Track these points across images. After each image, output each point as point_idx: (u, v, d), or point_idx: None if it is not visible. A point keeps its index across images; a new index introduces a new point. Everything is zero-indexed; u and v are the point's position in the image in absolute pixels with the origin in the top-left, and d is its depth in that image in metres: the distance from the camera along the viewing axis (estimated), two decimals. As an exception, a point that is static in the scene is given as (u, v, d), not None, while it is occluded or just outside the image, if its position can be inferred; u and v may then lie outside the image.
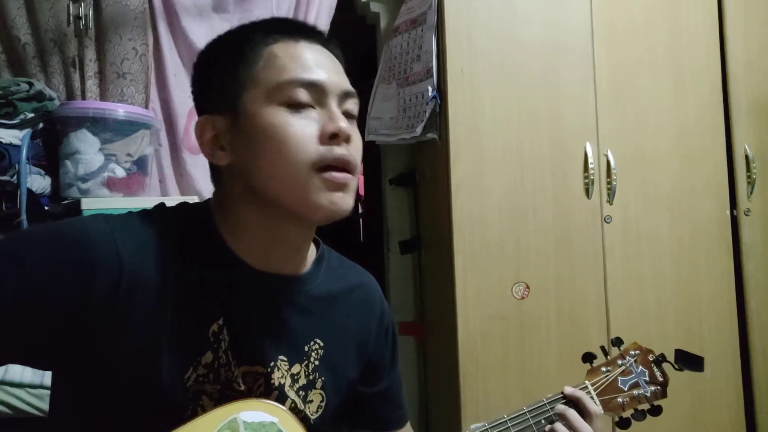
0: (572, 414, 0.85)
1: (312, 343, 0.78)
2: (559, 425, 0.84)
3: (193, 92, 0.78)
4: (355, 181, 0.72)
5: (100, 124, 1.54)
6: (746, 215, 1.83)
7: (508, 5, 1.70)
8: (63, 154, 1.54)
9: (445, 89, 1.65)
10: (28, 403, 1.34)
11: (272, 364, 0.73)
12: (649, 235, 1.74)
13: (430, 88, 1.68)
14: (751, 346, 1.79)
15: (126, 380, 0.64)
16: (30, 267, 0.62)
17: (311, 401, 0.78)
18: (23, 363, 0.74)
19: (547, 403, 0.87)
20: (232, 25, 0.77)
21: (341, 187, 0.69)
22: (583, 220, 1.70)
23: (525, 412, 0.86)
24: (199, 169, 1.77)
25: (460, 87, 1.65)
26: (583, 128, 1.71)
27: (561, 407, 0.86)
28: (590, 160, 1.69)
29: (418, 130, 1.69)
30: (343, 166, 0.69)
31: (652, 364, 0.97)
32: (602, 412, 0.89)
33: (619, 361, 0.95)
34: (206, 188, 1.74)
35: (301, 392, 0.76)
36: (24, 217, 1.45)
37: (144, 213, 0.72)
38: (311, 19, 1.85)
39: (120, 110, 1.59)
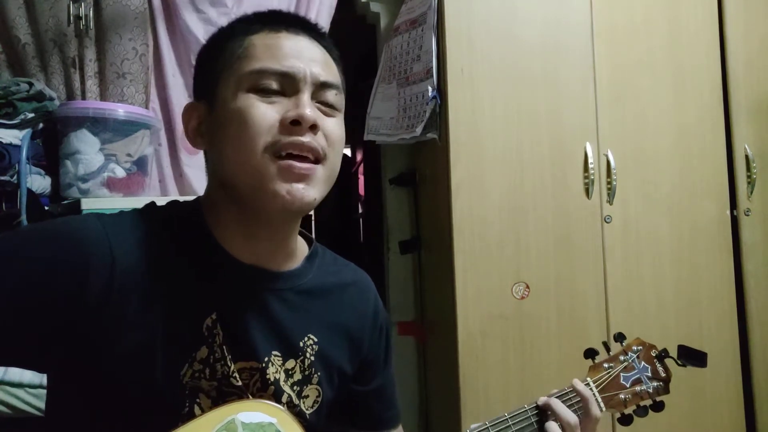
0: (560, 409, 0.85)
1: (306, 338, 0.77)
2: (552, 424, 0.84)
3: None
4: (324, 173, 0.70)
5: (100, 124, 1.54)
6: (746, 215, 1.83)
7: (508, 5, 1.70)
8: (63, 154, 1.55)
9: (445, 89, 1.65)
10: (28, 403, 1.34)
11: (266, 359, 0.73)
12: (649, 235, 1.74)
13: (430, 88, 1.68)
14: (751, 346, 1.79)
15: (122, 378, 0.64)
16: (25, 266, 0.62)
17: (307, 396, 0.78)
18: (20, 365, 0.74)
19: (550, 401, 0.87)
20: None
21: (301, 177, 0.67)
22: (583, 220, 1.70)
23: (526, 410, 0.86)
24: (198, 169, 1.78)
25: (460, 87, 1.65)
26: (583, 128, 1.71)
27: (558, 405, 0.86)
28: (590, 160, 1.69)
29: (418, 130, 1.69)
30: (305, 154, 0.68)
31: (655, 360, 0.96)
32: (604, 410, 0.89)
33: (622, 357, 0.95)
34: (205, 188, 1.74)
35: (296, 387, 0.76)
36: (24, 217, 1.45)
37: (135, 212, 0.73)
38: (311, 19, 1.84)
39: (120, 110, 1.59)
